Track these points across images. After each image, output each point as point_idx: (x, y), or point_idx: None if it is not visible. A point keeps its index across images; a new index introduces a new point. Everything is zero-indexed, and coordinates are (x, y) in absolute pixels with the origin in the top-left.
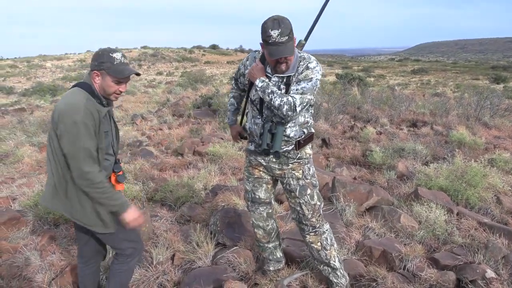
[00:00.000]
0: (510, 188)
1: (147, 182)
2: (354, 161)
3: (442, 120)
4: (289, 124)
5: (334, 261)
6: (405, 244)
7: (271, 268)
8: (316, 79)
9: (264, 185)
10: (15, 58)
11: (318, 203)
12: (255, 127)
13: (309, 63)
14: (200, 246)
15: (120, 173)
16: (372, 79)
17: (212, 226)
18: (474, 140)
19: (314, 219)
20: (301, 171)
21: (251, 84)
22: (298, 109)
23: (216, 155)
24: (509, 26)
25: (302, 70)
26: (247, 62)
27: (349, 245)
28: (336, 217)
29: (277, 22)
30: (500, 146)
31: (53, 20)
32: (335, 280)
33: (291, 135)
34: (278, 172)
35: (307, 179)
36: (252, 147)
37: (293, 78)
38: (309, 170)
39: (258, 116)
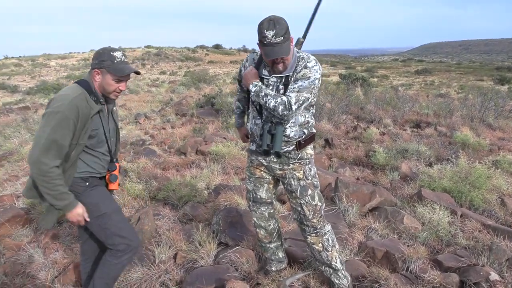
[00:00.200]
0: None
1: (150, 181)
2: (357, 161)
3: (446, 121)
4: (288, 124)
5: (336, 262)
6: (408, 246)
7: (273, 268)
8: (314, 78)
9: (266, 185)
10: (20, 56)
11: (319, 203)
12: (256, 127)
13: (307, 62)
14: (203, 245)
15: (114, 172)
16: (375, 79)
17: (215, 225)
18: (478, 141)
19: (315, 220)
20: (302, 171)
21: None
22: (294, 107)
23: (219, 154)
24: None
25: (301, 69)
26: (247, 63)
27: (352, 246)
28: (339, 218)
29: (273, 22)
30: (505, 148)
31: (57, 19)
32: (337, 281)
33: (291, 135)
34: (279, 172)
35: (308, 179)
36: (253, 147)
37: (292, 78)
38: (310, 170)
39: (258, 117)
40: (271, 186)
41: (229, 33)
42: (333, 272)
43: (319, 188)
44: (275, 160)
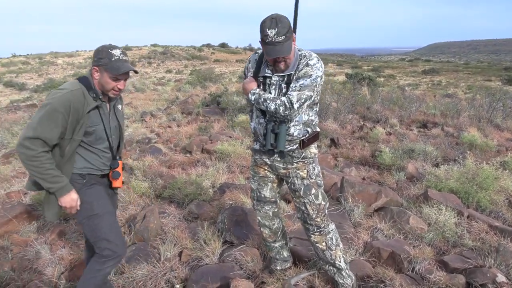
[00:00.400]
0: None
1: (156, 179)
2: (363, 161)
3: (453, 121)
4: (292, 123)
5: (340, 262)
6: (414, 246)
7: (278, 267)
8: (316, 76)
9: (270, 184)
10: (28, 54)
11: (323, 203)
12: (259, 126)
13: (309, 60)
14: (208, 243)
15: (117, 169)
16: (382, 79)
17: (220, 224)
18: (485, 142)
19: (318, 219)
20: (305, 170)
21: None
22: (295, 106)
23: (224, 153)
24: None
25: (302, 67)
26: (249, 65)
27: (357, 246)
28: (344, 218)
29: (275, 21)
30: None
31: (64, 18)
32: (341, 281)
33: (294, 134)
34: (282, 171)
35: (311, 178)
36: (257, 146)
37: (294, 76)
38: (314, 169)
39: (262, 116)
40: (275, 185)
41: (235, 32)
42: (337, 272)
43: (322, 187)
44: (278, 159)
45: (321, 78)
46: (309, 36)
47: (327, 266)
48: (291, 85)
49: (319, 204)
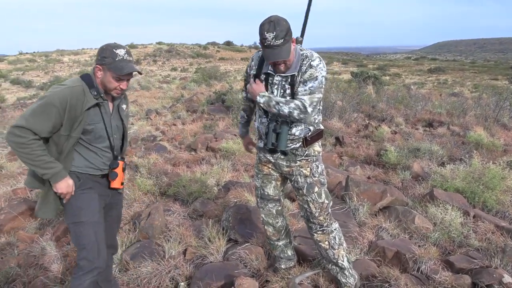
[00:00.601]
0: None
1: (161, 176)
2: (368, 160)
3: (459, 120)
4: (294, 123)
5: (343, 261)
6: (419, 246)
7: (282, 266)
8: (321, 77)
9: (273, 182)
10: (34, 52)
11: (326, 201)
12: (262, 126)
13: (311, 61)
14: (212, 241)
15: (116, 169)
16: (387, 77)
17: (224, 222)
18: (492, 141)
19: (321, 218)
20: (309, 168)
21: None
22: (309, 109)
23: (229, 151)
24: None
25: (306, 69)
26: (252, 63)
27: (362, 245)
28: (349, 217)
29: (273, 24)
30: None
31: (70, 15)
32: (343, 280)
33: (296, 134)
34: (286, 169)
35: (315, 177)
36: (261, 145)
37: (297, 78)
38: (317, 168)
39: (264, 116)
40: (278, 183)
41: (241, 30)
42: (339, 271)
43: (326, 185)
44: (282, 157)
45: (325, 78)
46: (314, 35)
47: (330, 265)
48: (299, 89)
49: (322, 203)
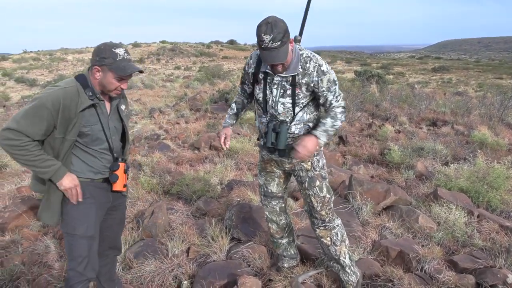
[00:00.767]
0: None
1: (164, 175)
2: (371, 159)
3: (464, 119)
4: (293, 122)
5: (344, 258)
6: (423, 245)
7: (285, 265)
8: (334, 77)
9: (276, 179)
10: (38, 51)
11: (328, 195)
12: (261, 125)
13: (320, 66)
14: (215, 240)
15: (116, 172)
16: (391, 76)
17: (227, 220)
18: (496, 141)
19: (323, 212)
20: (309, 162)
21: (255, 83)
22: (344, 105)
23: (232, 150)
24: None
25: (315, 73)
26: (251, 61)
27: (365, 244)
28: (353, 216)
29: (270, 26)
30: None
31: (74, 14)
32: (345, 278)
33: (296, 132)
34: (288, 165)
35: (316, 170)
36: (263, 143)
37: (301, 80)
38: (318, 162)
39: (263, 115)
40: (281, 180)
41: (244, 29)
42: (341, 268)
43: (327, 179)
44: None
45: None
46: (318, 33)
47: (331, 262)
48: (328, 97)
49: (324, 197)
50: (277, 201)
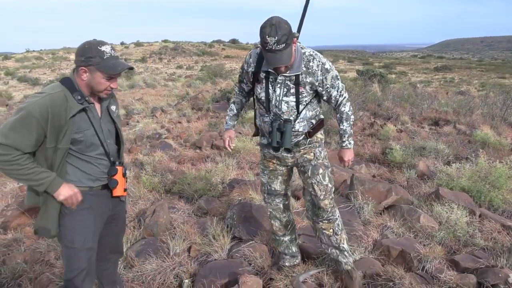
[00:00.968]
0: None
1: (166, 174)
2: (373, 158)
3: (466, 119)
4: (297, 120)
5: (343, 244)
6: (424, 245)
7: (286, 264)
8: (336, 72)
9: (280, 177)
10: (41, 50)
11: (330, 185)
12: (264, 125)
13: (323, 65)
14: (217, 239)
15: (115, 177)
16: (393, 75)
17: (229, 219)
18: (499, 140)
19: (326, 201)
20: (312, 153)
21: (255, 82)
22: (347, 95)
23: (234, 149)
24: None
25: (319, 71)
26: (250, 59)
27: (367, 243)
28: (354, 215)
29: (275, 28)
30: None
31: (77, 14)
32: (344, 260)
33: (300, 129)
34: (291, 160)
35: (318, 160)
36: (265, 141)
37: (305, 79)
38: (320, 152)
39: (266, 115)
40: (285, 178)
41: (246, 28)
42: (340, 253)
43: (330, 169)
44: (285, 153)
45: None
46: (320, 32)
47: (329, 249)
48: (332, 94)
49: (326, 185)
50: (281, 199)
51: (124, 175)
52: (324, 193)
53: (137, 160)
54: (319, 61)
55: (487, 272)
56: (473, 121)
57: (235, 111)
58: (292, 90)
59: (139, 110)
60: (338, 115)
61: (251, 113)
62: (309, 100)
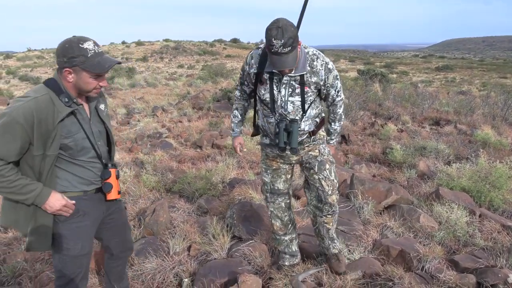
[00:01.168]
0: None
1: (166, 173)
2: (373, 158)
3: (467, 119)
4: (302, 120)
5: (334, 233)
6: (424, 245)
7: (286, 263)
8: (337, 72)
9: (283, 176)
10: (42, 49)
11: (336, 180)
12: (269, 125)
13: (326, 63)
14: (216, 238)
15: (108, 180)
16: (394, 75)
17: (229, 219)
18: (499, 140)
19: (334, 197)
20: (317, 150)
21: (258, 83)
22: (343, 97)
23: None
24: None
25: (322, 71)
26: (252, 60)
27: (366, 243)
28: (354, 215)
29: (281, 31)
30: None
31: (78, 13)
32: (333, 245)
33: (305, 129)
34: (295, 158)
35: (324, 155)
36: (267, 141)
37: (310, 79)
38: (324, 149)
39: (271, 115)
40: (288, 176)
41: (247, 27)
42: (331, 242)
43: (335, 165)
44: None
45: None
46: (321, 32)
47: (325, 240)
48: (330, 92)
49: (333, 181)
50: (283, 198)
51: (117, 177)
52: (331, 188)
53: (138, 159)
54: (323, 61)
55: (486, 272)
56: (474, 121)
57: (239, 117)
58: (298, 90)
59: (140, 109)
60: (331, 115)
61: (250, 113)
62: (313, 99)
